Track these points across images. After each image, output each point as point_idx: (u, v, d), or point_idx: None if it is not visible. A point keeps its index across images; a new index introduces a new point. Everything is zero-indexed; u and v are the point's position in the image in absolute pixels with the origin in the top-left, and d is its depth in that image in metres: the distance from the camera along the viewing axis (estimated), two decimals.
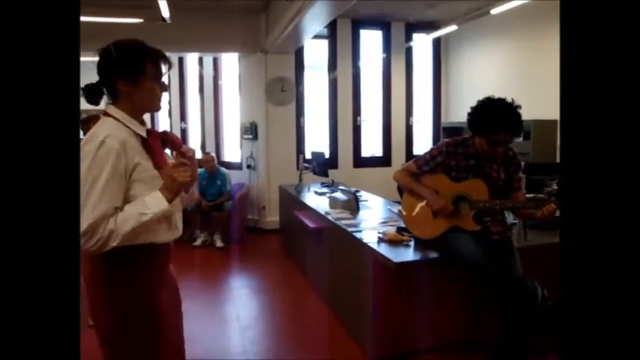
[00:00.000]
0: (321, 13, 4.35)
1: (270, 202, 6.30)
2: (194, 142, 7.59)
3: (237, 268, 5.10)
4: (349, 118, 6.86)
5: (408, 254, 2.70)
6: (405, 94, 7.10)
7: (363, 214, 3.83)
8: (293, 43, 5.64)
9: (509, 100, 2.48)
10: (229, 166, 6.76)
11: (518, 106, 2.48)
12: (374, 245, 2.82)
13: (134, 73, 1.48)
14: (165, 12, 4.42)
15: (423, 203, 2.73)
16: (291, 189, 5.26)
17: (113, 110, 1.49)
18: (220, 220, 5.76)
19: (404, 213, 2.88)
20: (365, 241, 2.93)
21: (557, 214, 2.41)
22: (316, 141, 6.80)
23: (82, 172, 1.37)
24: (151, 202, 1.42)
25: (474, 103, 2.59)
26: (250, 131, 6.33)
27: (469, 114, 2.58)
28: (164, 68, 1.56)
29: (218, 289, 4.43)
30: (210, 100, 7.09)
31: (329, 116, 6.80)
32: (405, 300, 2.79)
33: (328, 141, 6.83)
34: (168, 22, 4.59)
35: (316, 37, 6.19)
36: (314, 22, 4.66)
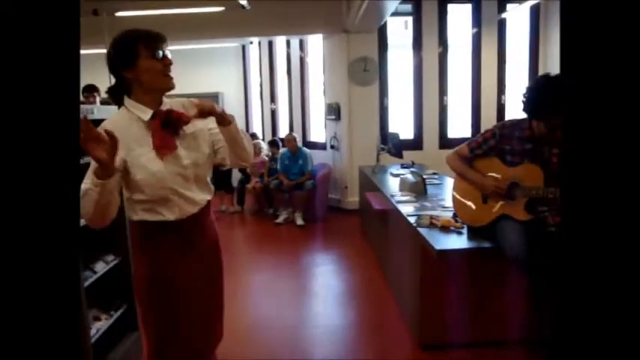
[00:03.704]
0: None
1: (352, 183, 6.32)
2: (283, 123, 7.85)
3: (313, 246, 5.26)
4: (435, 98, 6.60)
5: (454, 241, 2.60)
6: (497, 72, 6.63)
7: (430, 197, 3.72)
8: (373, 20, 5.53)
9: None
10: (314, 146, 6.91)
11: None
12: (423, 230, 2.76)
13: (129, 57, 1.54)
14: None
15: (474, 188, 2.60)
16: (368, 170, 5.25)
17: (125, 100, 1.60)
18: (301, 199, 5.95)
19: (456, 197, 2.77)
20: (415, 225, 2.87)
21: None
22: (400, 122, 6.67)
23: None
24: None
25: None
26: (334, 112, 6.39)
27: (524, 95, 2.38)
28: (160, 45, 1.56)
29: (289, 264, 4.62)
30: (298, 81, 7.26)
31: (414, 96, 6.61)
32: (449, 290, 2.69)
33: (413, 122, 6.67)
34: (248, 8, 4.76)
35: (401, 14, 6.02)
36: None
